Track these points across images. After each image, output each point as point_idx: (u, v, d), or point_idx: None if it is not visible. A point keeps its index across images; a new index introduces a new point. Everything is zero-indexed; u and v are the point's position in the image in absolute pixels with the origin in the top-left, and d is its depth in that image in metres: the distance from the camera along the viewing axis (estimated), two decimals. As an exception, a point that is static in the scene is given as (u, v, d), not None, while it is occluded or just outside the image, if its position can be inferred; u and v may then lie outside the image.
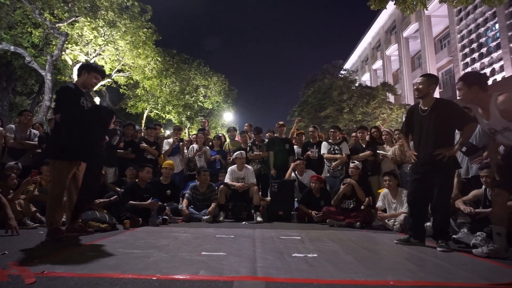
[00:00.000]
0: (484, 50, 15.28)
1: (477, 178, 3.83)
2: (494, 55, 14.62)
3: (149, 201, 4.17)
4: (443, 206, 2.89)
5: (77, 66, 10.71)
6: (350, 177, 4.70)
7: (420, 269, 2.10)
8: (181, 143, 6.02)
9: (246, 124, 7.17)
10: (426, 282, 1.82)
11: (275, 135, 5.93)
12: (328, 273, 1.96)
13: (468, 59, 16.24)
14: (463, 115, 2.87)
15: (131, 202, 4.13)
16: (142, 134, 6.15)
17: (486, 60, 15.13)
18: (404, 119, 3.26)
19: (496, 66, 14.55)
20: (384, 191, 4.37)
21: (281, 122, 5.95)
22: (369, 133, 5.62)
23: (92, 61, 11.07)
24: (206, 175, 5.00)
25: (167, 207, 4.52)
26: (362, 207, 4.48)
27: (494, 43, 14.67)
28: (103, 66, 12.34)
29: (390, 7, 7.06)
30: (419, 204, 3.03)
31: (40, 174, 4.21)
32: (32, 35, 10.76)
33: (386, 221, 4.17)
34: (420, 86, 2.95)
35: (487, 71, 14.98)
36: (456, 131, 3.11)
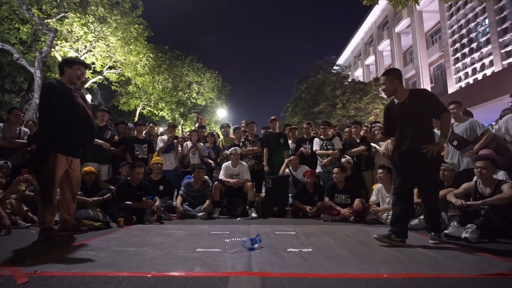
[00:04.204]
0: (474, 45, 15.43)
1: (468, 172, 3.90)
2: (484, 50, 14.77)
3: (144, 199, 4.14)
4: (433, 198, 2.88)
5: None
6: (342, 168, 4.69)
7: (413, 262, 2.13)
8: (175, 140, 5.98)
9: (243, 121, 7.15)
10: (419, 274, 1.84)
11: (269, 130, 5.94)
12: (323, 267, 1.98)
13: (458, 54, 16.40)
14: (438, 104, 2.83)
15: (126, 202, 4.09)
16: (135, 132, 6.07)
17: (476, 55, 15.29)
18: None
19: (486, 61, 14.71)
20: (378, 185, 4.42)
21: (273, 117, 5.93)
22: (368, 127, 5.65)
23: (82, 58, 10.87)
24: (199, 172, 4.98)
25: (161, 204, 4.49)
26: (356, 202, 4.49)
27: (484, 38, 14.81)
28: (93, 63, 12.15)
29: (382, 2, 7.08)
30: (406, 195, 2.88)
31: (30, 173, 4.14)
32: (20, 31, 10.51)
33: (379, 214, 4.22)
34: (384, 87, 2.91)
35: (477, 66, 15.17)
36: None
